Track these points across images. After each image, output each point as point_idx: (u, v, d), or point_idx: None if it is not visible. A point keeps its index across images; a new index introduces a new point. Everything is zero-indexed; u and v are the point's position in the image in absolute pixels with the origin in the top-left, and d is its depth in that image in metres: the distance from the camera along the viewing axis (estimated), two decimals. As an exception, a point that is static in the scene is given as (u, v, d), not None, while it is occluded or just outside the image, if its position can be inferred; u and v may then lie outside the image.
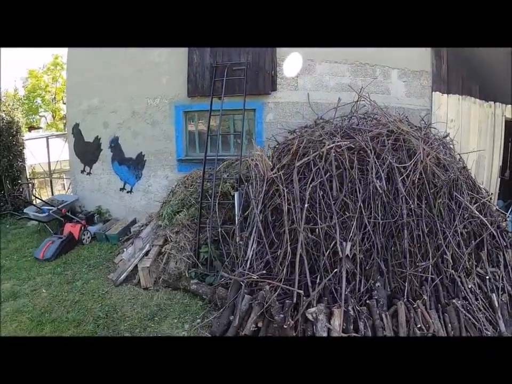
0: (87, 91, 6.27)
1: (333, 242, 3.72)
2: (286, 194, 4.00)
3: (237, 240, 4.22)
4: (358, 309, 3.33)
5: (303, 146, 4.27)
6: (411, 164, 4.07)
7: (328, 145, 4.22)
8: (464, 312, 3.46)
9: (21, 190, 7.86)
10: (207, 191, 4.98)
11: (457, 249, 3.92)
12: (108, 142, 6.27)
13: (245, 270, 3.82)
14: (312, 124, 5.23)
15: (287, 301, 3.30)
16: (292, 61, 5.54)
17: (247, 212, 4.38)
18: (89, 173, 6.54)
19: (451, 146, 4.70)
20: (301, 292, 3.35)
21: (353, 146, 4.29)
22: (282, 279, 3.58)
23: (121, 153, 6.20)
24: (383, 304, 3.45)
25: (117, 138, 6.20)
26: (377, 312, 3.32)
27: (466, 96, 5.69)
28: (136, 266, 4.61)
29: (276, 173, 4.32)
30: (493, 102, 5.90)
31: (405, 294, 3.62)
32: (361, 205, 3.96)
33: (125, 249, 4.99)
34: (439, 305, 3.54)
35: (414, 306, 3.42)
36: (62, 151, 8.36)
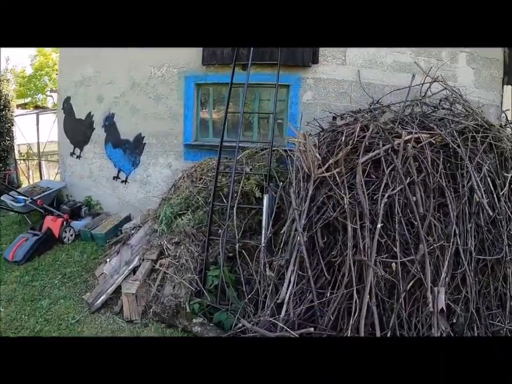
0: (81, 57, 5.02)
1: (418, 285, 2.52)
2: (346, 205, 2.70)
3: (263, 268, 2.95)
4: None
5: (369, 136, 2.90)
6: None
7: (405, 136, 2.87)
8: None
9: (5, 172, 6.72)
10: (221, 189, 3.70)
11: None
12: (102, 119, 5.03)
13: (276, 319, 2.56)
14: (365, 109, 3.85)
15: None
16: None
17: (283, 226, 3.11)
18: (79, 156, 5.34)
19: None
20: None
21: (434, 142, 2.96)
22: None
23: (117, 134, 4.97)
24: None
25: (112, 116, 4.96)
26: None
27: None
28: (119, 287, 3.40)
29: (326, 170, 3.01)
30: None
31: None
32: (456, 229, 2.62)
33: (107, 260, 3.79)
34: None
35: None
36: (51, 129, 7.10)
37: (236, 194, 3.66)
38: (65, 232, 4.58)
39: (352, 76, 4.22)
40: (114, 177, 5.09)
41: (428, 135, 2.98)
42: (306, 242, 2.80)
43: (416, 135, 2.92)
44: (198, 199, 3.76)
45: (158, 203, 4.53)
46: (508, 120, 3.73)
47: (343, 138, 3.17)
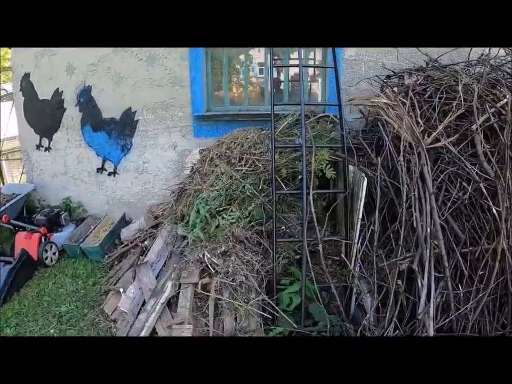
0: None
1: None
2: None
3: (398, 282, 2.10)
4: None
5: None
6: None
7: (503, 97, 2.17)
8: None
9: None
10: (278, 171, 2.70)
11: None
12: (75, 95, 3.67)
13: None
14: (420, 67, 3.08)
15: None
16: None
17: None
18: (48, 148, 3.93)
19: None
20: None
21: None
22: None
23: (96, 112, 3.65)
24: None
25: (89, 89, 3.62)
26: None
27: None
28: (154, 331, 2.37)
29: (438, 139, 2.21)
30: None
31: None
32: None
33: (121, 290, 2.67)
34: None
35: None
36: (8, 121, 5.25)
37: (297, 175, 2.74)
38: (46, 251, 3.33)
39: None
40: (98, 169, 3.81)
41: None
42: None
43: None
44: (244, 187, 2.72)
45: (172, 197, 3.44)
46: None
47: (437, 100, 2.37)
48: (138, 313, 2.48)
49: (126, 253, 3.30)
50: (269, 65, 2.78)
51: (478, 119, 2.13)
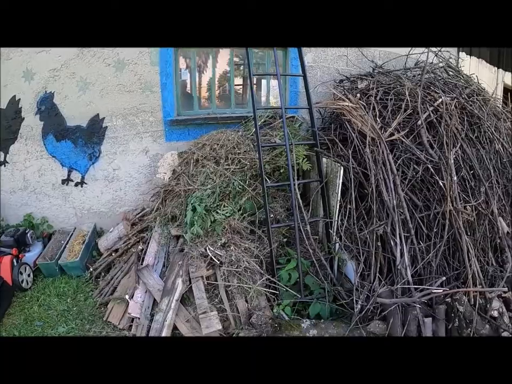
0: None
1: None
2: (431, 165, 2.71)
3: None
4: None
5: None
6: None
7: (439, 97, 2.92)
8: None
9: None
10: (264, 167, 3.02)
11: None
12: (35, 103, 3.41)
13: (405, 283, 2.47)
14: (368, 72, 3.78)
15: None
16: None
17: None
18: (4, 162, 3.57)
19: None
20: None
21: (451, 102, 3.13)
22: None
23: (60, 121, 3.46)
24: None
25: (51, 96, 3.40)
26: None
27: (481, 59, 5.54)
28: (175, 327, 2.51)
29: (393, 133, 2.81)
30: (496, 68, 5.95)
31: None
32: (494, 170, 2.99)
33: (126, 297, 2.71)
34: None
35: None
36: None
37: (277, 170, 3.12)
38: (21, 273, 3.08)
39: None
40: (64, 181, 3.62)
41: (450, 99, 3.05)
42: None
43: (447, 99, 2.96)
44: (235, 183, 2.99)
45: (152, 201, 3.52)
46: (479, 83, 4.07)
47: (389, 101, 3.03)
48: (152, 315, 2.59)
49: (112, 262, 3.29)
50: (248, 72, 3.06)
51: (422, 115, 2.78)
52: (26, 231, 3.40)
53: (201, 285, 2.64)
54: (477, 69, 5.29)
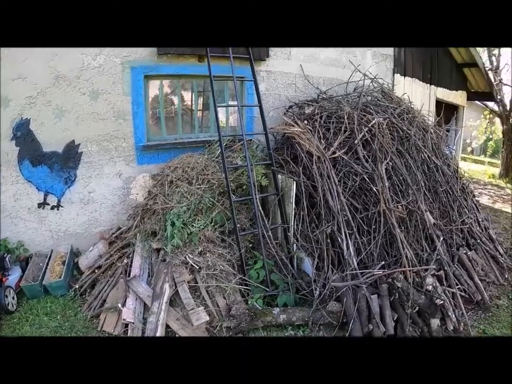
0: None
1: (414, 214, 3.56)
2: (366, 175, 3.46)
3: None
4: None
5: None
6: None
7: (373, 119, 3.73)
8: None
9: None
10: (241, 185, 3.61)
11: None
12: (11, 129, 3.53)
13: (353, 270, 3.15)
14: (313, 99, 4.59)
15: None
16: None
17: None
18: None
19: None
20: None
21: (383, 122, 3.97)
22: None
23: (36, 146, 3.63)
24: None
25: (27, 122, 3.56)
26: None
27: (414, 78, 6.56)
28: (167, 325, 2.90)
29: (335, 152, 3.52)
30: (429, 84, 7.03)
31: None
32: (422, 175, 3.86)
33: (119, 305, 3.04)
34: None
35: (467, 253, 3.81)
36: None
37: (240, 187, 3.69)
38: (6, 296, 3.21)
39: (296, 69, 4.74)
40: (40, 205, 3.78)
41: (382, 119, 3.89)
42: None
43: (380, 120, 3.79)
44: (206, 200, 3.48)
45: (129, 220, 3.87)
46: (410, 101, 5.01)
47: (331, 124, 3.79)
48: (145, 319, 2.95)
49: (96, 278, 3.56)
50: (213, 104, 3.58)
51: (358, 136, 3.53)
52: (5, 256, 3.52)
53: (186, 287, 3.07)
54: (411, 87, 6.40)
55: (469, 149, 14.89)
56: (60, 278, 3.51)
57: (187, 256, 3.24)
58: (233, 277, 3.27)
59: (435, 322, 2.98)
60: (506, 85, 10.50)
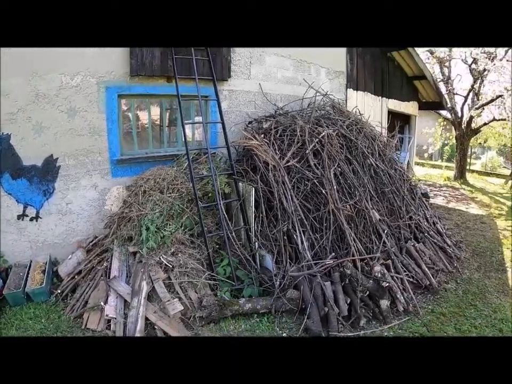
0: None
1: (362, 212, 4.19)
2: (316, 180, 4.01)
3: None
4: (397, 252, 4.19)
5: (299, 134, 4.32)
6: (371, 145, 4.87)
7: (323, 131, 4.34)
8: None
9: None
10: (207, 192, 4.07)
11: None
12: None
13: (308, 262, 3.69)
14: (273, 114, 5.18)
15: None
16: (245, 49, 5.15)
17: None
18: None
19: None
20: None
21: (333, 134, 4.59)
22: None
23: (16, 160, 3.87)
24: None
25: (7, 137, 3.79)
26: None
27: (366, 92, 7.34)
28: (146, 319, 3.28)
29: (289, 161, 4.10)
30: (380, 97, 7.81)
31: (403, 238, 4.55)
32: (369, 179, 4.45)
33: (101, 303, 3.36)
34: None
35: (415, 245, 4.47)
36: None
37: (204, 194, 4.18)
38: None
39: (255, 88, 5.31)
40: (19, 216, 4.01)
41: (332, 131, 4.53)
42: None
43: (330, 131, 4.43)
44: (179, 206, 3.92)
45: (105, 228, 4.21)
46: (360, 113, 5.72)
47: (286, 136, 4.37)
48: (125, 314, 3.29)
49: (76, 283, 3.85)
50: (181, 121, 4.04)
51: (309, 146, 4.11)
52: (-15, 267, 3.73)
53: (161, 284, 3.48)
54: (363, 100, 7.16)
55: (426, 155, 15.97)
56: (42, 285, 3.75)
57: (161, 257, 3.65)
58: (203, 273, 3.72)
59: (384, 303, 3.55)
60: (457, 94, 11.71)
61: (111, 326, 3.26)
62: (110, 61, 4.11)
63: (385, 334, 3.40)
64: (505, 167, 15.54)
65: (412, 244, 4.47)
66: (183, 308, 3.28)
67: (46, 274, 3.89)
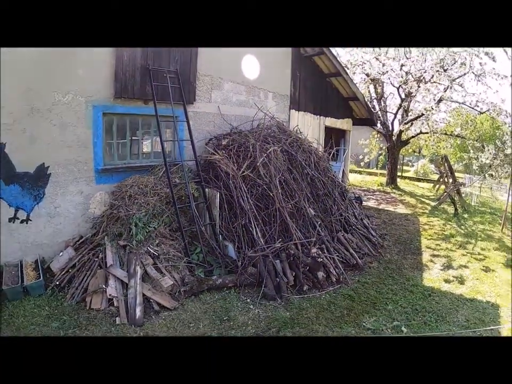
0: None
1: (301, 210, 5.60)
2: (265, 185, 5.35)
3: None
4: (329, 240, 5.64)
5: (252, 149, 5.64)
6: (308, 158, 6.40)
7: (270, 148, 5.73)
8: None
9: None
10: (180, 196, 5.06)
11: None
12: None
13: (261, 246, 4.97)
14: (229, 133, 6.44)
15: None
16: (207, 77, 6.28)
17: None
18: None
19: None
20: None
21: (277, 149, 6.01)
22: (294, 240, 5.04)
23: (10, 167, 4.34)
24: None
25: (2, 146, 4.25)
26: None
27: (307, 112, 8.73)
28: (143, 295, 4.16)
29: (244, 171, 5.39)
30: (319, 116, 9.21)
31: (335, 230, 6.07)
32: (307, 185, 5.92)
33: (103, 286, 4.11)
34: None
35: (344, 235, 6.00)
36: None
37: (181, 197, 5.21)
38: None
39: (215, 110, 6.47)
40: (10, 219, 4.48)
41: (277, 147, 5.96)
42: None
43: (274, 147, 5.84)
44: (160, 207, 4.88)
45: (91, 228, 4.96)
46: (300, 131, 7.31)
47: (241, 152, 5.65)
48: (124, 294, 4.12)
49: (72, 275, 4.49)
50: (160, 139, 5.04)
51: (259, 160, 5.42)
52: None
53: (152, 267, 4.42)
54: (304, 119, 8.53)
55: (363, 163, 17.71)
56: (39, 279, 4.26)
57: (148, 247, 4.59)
58: (182, 259, 4.74)
59: (320, 274, 4.87)
60: (387, 112, 13.75)
61: (114, 303, 4.08)
62: (97, 83, 4.91)
63: (323, 297, 4.65)
64: (435, 173, 17.59)
65: (342, 234, 6.05)
66: (172, 282, 4.28)
67: (40, 271, 4.41)
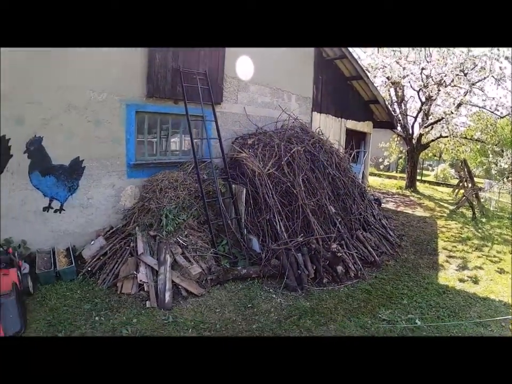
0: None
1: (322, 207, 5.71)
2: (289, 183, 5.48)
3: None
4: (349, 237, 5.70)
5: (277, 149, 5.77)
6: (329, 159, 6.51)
7: (294, 148, 5.86)
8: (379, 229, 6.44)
9: None
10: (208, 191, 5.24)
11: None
12: (24, 144, 4.40)
13: (284, 240, 5.09)
14: (254, 133, 6.61)
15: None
16: (234, 79, 6.49)
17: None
18: None
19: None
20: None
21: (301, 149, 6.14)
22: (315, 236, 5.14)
23: (46, 160, 4.58)
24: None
25: (39, 140, 4.49)
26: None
27: (328, 114, 8.87)
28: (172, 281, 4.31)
29: (269, 169, 5.53)
30: (340, 118, 9.33)
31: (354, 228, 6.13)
32: (328, 184, 6.03)
33: (135, 272, 4.26)
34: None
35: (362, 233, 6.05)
36: None
37: (209, 192, 5.37)
38: (27, 281, 4.01)
39: (241, 110, 6.67)
40: (44, 208, 4.68)
41: (301, 147, 6.08)
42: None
43: (298, 147, 5.96)
44: (189, 200, 5.04)
45: (122, 219, 5.18)
46: (322, 133, 7.43)
47: (266, 151, 5.79)
48: (154, 280, 4.28)
49: (103, 262, 4.66)
50: (190, 138, 5.23)
51: (283, 159, 5.55)
52: (16, 250, 4.30)
53: (181, 256, 4.56)
54: (325, 122, 8.69)
55: (382, 166, 17.70)
56: (71, 264, 4.46)
57: (178, 238, 4.74)
58: (208, 250, 4.87)
59: (339, 269, 4.97)
60: (407, 115, 13.76)
61: (144, 288, 4.23)
62: (131, 83, 5.15)
63: (341, 290, 4.77)
64: (456, 178, 17.47)
65: (361, 232, 6.11)
66: (200, 270, 4.40)
67: (72, 258, 4.61)
